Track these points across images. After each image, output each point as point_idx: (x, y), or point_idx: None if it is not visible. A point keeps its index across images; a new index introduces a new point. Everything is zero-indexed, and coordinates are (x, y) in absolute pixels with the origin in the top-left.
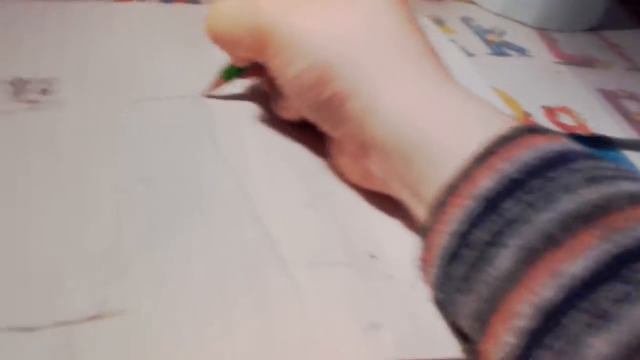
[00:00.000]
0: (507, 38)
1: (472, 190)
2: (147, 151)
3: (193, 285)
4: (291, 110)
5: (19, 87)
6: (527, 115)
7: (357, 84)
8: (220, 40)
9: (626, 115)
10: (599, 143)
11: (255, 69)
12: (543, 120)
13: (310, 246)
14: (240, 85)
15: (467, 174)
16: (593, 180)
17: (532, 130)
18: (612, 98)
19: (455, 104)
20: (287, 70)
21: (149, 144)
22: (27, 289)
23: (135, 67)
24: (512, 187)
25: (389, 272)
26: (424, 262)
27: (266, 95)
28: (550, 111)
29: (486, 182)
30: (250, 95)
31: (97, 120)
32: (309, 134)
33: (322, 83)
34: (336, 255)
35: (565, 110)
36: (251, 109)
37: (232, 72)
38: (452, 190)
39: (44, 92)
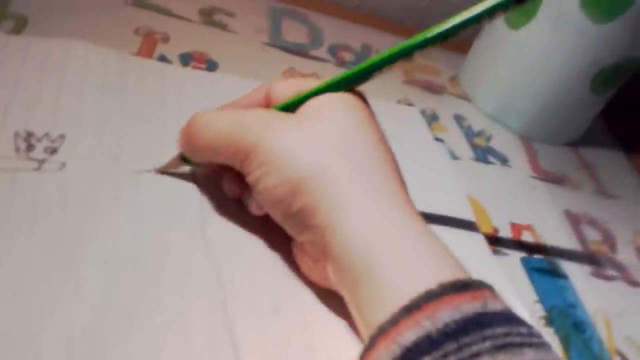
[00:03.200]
0: (492, 144)
1: (398, 338)
2: (137, 227)
3: None
4: (259, 209)
5: (30, 142)
6: (494, 230)
7: (324, 198)
8: (201, 149)
9: (583, 243)
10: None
11: (211, 167)
12: (508, 238)
13: (270, 353)
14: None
15: (395, 321)
16: (500, 348)
17: (457, 287)
18: (575, 222)
19: (411, 242)
20: (262, 183)
21: (140, 219)
22: None
23: (140, 133)
24: (431, 345)
25: None
26: None
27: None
28: (516, 228)
29: (410, 334)
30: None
31: (94, 188)
32: (280, 231)
33: (292, 196)
34: None
35: (530, 229)
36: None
37: (190, 161)
38: (382, 331)
39: (53, 151)
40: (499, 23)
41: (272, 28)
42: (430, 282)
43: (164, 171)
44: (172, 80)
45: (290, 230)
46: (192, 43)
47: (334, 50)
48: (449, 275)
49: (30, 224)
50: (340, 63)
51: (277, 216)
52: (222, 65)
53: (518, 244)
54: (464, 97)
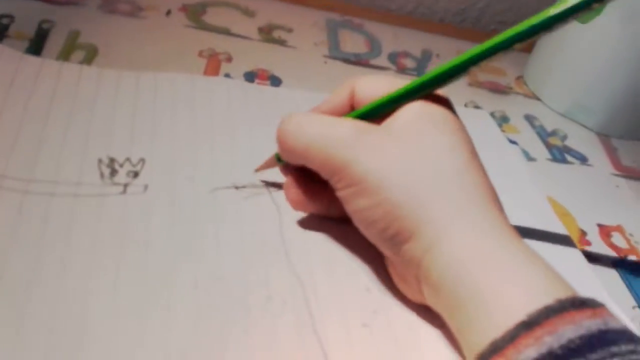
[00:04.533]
0: (569, 143)
1: (516, 355)
2: (222, 247)
3: None
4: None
5: (113, 168)
6: (582, 233)
7: (421, 226)
8: (291, 152)
9: None
10: None
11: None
12: (597, 241)
13: None
14: None
15: (512, 338)
16: None
17: (576, 304)
18: None
19: (514, 263)
20: (354, 203)
21: (224, 238)
22: None
23: (214, 151)
24: None
25: None
26: None
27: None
28: (604, 230)
29: (530, 351)
30: None
31: (178, 209)
32: (363, 245)
33: (388, 219)
34: None
35: (619, 229)
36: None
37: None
38: (497, 350)
39: (135, 175)
40: None
41: (330, 40)
42: (545, 298)
43: (259, 170)
44: (238, 97)
45: (385, 251)
46: (254, 61)
47: (394, 58)
48: (561, 292)
49: (120, 246)
50: (402, 70)
51: (370, 236)
52: (285, 81)
53: (610, 247)
54: (533, 96)
